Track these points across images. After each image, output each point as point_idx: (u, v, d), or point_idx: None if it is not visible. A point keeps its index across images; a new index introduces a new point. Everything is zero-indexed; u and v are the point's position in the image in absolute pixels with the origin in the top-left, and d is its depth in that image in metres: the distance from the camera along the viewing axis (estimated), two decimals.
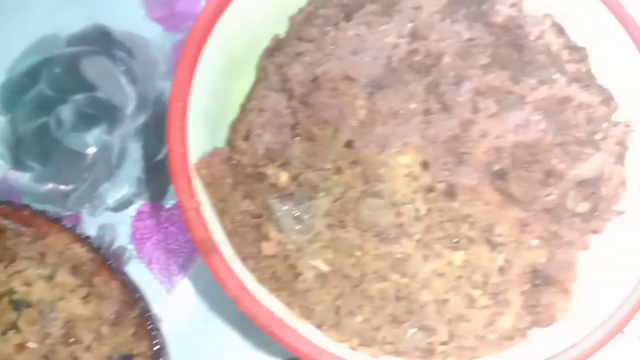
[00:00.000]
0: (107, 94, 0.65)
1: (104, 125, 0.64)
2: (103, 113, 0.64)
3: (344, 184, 0.47)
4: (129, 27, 0.68)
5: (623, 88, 0.54)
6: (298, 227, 0.47)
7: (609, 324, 0.47)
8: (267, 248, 0.47)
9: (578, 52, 0.55)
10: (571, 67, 0.53)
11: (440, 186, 0.46)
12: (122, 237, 0.62)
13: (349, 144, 0.46)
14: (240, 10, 0.52)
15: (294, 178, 0.47)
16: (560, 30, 0.55)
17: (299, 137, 0.47)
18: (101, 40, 0.67)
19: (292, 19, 0.55)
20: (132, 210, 0.62)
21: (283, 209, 0.47)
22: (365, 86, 0.46)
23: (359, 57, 0.48)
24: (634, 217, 0.51)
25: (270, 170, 0.47)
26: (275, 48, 0.55)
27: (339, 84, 0.46)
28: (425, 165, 0.46)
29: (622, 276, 0.49)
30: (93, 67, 0.66)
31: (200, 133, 0.49)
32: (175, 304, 0.60)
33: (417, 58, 0.49)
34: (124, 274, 0.49)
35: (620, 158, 0.52)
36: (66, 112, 0.64)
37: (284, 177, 0.47)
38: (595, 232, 0.50)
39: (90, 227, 0.61)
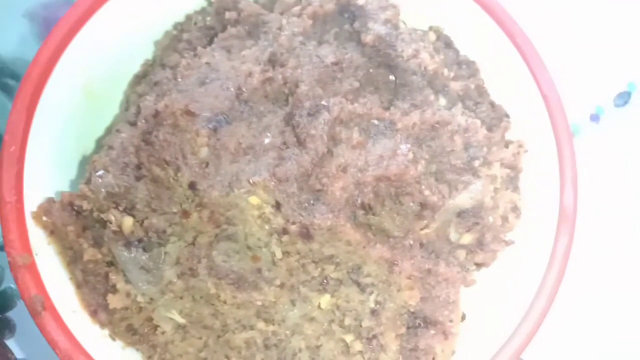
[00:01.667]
0: None
1: None
2: None
3: (194, 229, 0.43)
4: (19, 53, 0.64)
5: (518, 104, 0.50)
6: (147, 277, 0.43)
7: None
8: (114, 301, 0.43)
9: (467, 67, 0.50)
10: (456, 85, 0.48)
11: (294, 228, 0.41)
12: (11, 278, 0.58)
13: (192, 186, 0.42)
14: (96, 35, 0.48)
15: (140, 223, 0.43)
16: (447, 44, 0.51)
17: (144, 178, 0.43)
18: None
19: (157, 43, 0.51)
20: None
21: (129, 257, 0.43)
22: (209, 121, 0.42)
23: (205, 88, 0.43)
24: (523, 247, 0.47)
25: (112, 216, 0.43)
26: (143, 75, 0.51)
27: (180, 119, 0.42)
28: (277, 206, 0.42)
29: (508, 311, 0.45)
30: None
31: (46, 176, 0.45)
32: None
33: (273, 87, 0.44)
34: None
35: (510, 182, 0.48)
36: None
37: (128, 223, 0.42)
38: (482, 265, 0.46)
39: None
